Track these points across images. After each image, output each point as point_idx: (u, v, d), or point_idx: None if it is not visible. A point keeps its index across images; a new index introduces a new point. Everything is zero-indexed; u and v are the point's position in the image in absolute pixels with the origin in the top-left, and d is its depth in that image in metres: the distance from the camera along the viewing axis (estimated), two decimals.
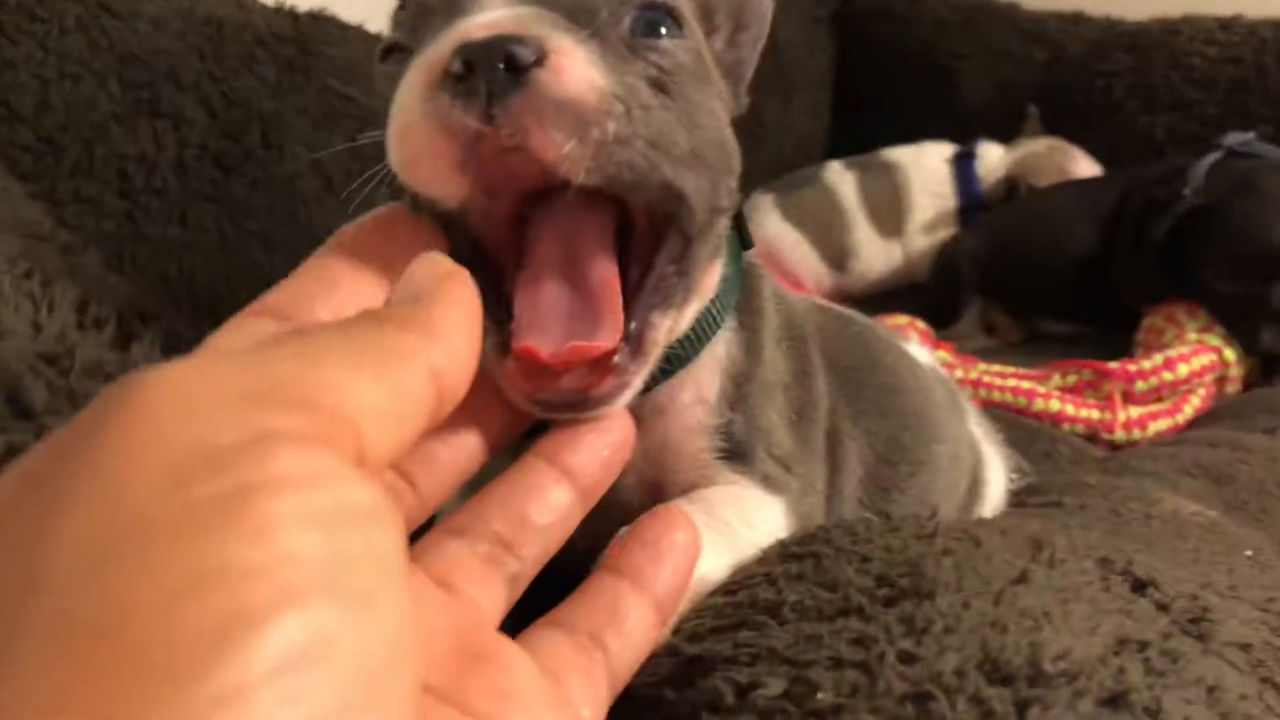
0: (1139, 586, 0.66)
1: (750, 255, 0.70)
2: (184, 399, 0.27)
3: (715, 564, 0.56)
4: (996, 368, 1.42)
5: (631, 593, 0.44)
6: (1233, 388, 1.41)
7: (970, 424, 0.93)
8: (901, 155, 2.01)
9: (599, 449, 0.48)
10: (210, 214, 1.44)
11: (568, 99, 0.42)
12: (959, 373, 1.38)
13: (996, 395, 1.35)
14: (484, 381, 0.43)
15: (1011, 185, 1.84)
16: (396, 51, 0.52)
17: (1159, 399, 1.35)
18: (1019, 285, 1.72)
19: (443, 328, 0.35)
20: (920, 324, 1.57)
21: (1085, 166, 1.86)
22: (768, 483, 0.65)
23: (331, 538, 0.26)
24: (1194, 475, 1.00)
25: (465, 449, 0.46)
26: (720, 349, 0.64)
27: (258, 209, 1.48)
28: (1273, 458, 1.04)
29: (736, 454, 0.64)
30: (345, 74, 1.58)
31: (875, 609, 0.56)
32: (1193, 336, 1.40)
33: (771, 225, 1.97)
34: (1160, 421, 1.34)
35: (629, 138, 0.45)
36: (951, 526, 0.68)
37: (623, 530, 0.49)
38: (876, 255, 1.96)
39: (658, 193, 0.49)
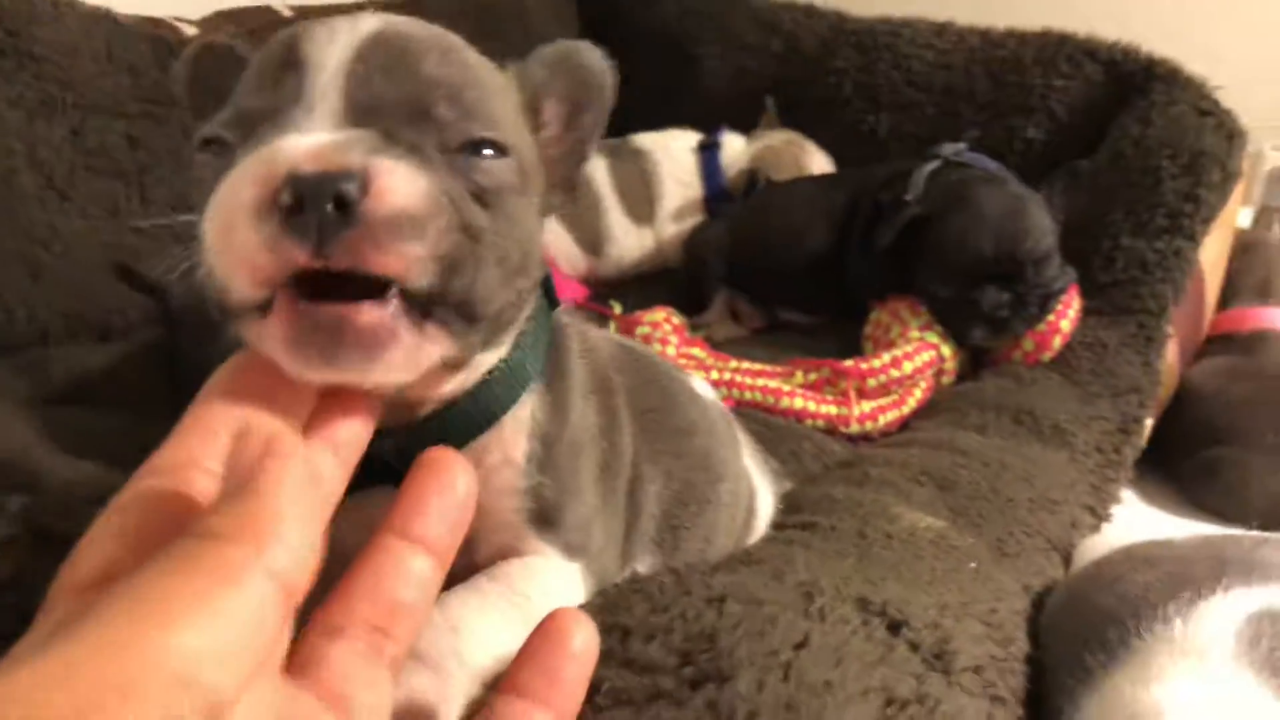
0: (894, 627, 0.76)
1: (557, 313, 0.73)
2: None
3: (519, 638, 0.60)
4: (746, 364, 1.52)
5: (532, 710, 0.46)
6: (948, 379, 1.57)
7: (745, 457, 1.01)
8: (651, 142, 2.06)
9: (448, 512, 0.48)
10: None
11: (396, 214, 0.45)
12: (715, 374, 1.47)
13: (748, 395, 1.45)
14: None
15: (751, 177, 1.93)
16: (215, 145, 0.52)
17: (887, 393, 1.49)
18: (759, 278, 1.83)
19: (274, 523, 0.35)
20: (675, 318, 1.64)
21: (819, 161, 1.98)
22: (569, 549, 0.70)
23: None
24: (922, 483, 1.13)
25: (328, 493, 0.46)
26: (525, 412, 0.67)
27: None
28: (985, 461, 1.19)
29: (544, 518, 0.68)
30: (63, 57, 1.45)
31: (683, 692, 0.62)
32: (915, 334, 1.55)
33: None
34: (889, 414, 1.48)
35: (459, 232, 0.48)
36: (734, 584, 0.75)
37: None
38: (630, 241, 2.02)
39: (460, 293, 0.50)
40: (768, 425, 1.39)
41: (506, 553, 0.68)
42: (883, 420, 1.47)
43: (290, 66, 0.51)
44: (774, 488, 1.07)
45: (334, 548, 0.54)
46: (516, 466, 0.67)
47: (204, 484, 0.41)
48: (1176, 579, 0.83)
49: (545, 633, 0.47)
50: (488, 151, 0.53)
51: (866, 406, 1.47)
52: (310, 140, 0.47)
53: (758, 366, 1.52)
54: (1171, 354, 1.54)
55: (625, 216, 2.02)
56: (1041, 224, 1.51)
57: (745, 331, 1.85)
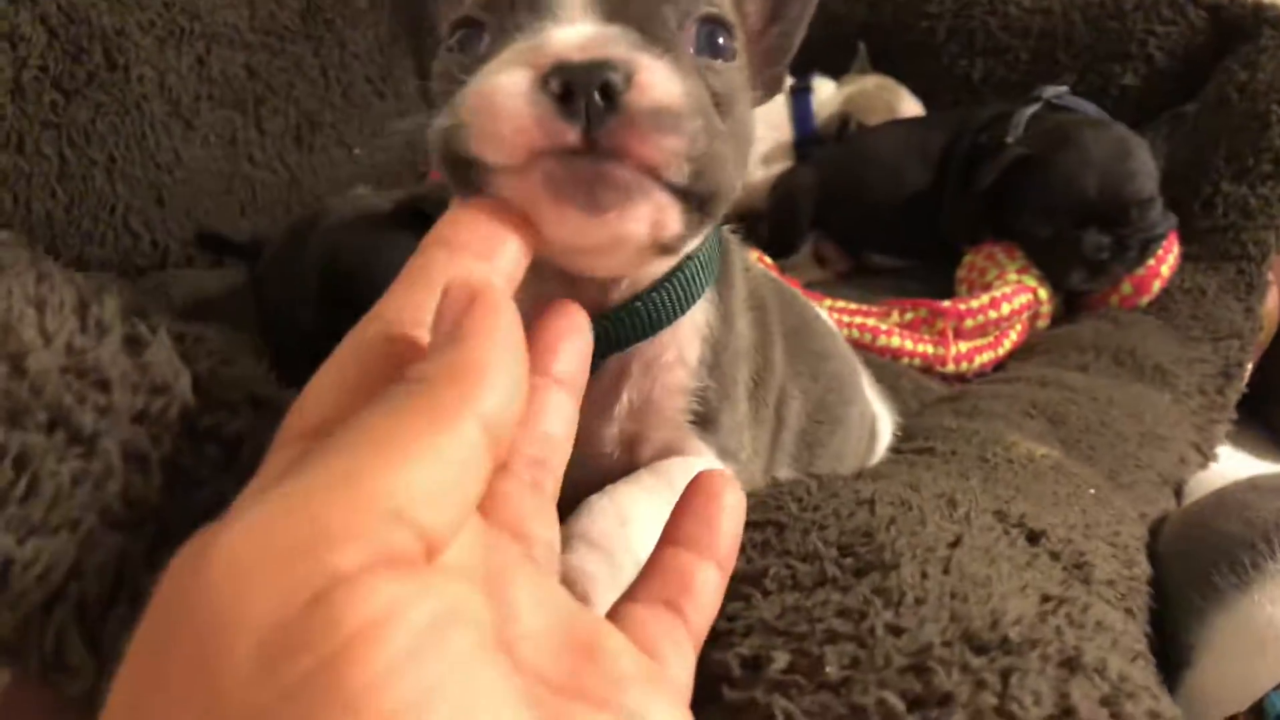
0: (1033, 538, 0.79)
1: (725, 229, 0.76)
2: (242, 575, 0.28)
3: None
4: (841, 303, 1.54)
5: (696, 560, 0.48)
6: (1043, 323, 1.58)
7: (866, 385, 1.03)
8: None
9: (579, 349, 0.50)
10: (50, 140, 1.34)
11: (657, 107, 0.47)
12: None
13: (844, 332, 1.47)
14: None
15: (843, 122, 1.94)
16: (468, 27, 0.55)
17: (984, 334, 1.50)
18: (851, 221, 1.84)
19: (484, 370, 0.36)
20: (767, 259, 1.66)
21: (911, 105, 1.98)
22: (723, 453, 0.74)
23: (418, 672, 0.28)
24: (1033, 416, 1.15)
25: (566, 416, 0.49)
26: (700, 315, 0.71)
27: (102, 135, 1.39)
28: (1093, 397, 1.20)
29: (705, 420, 0.71)
30: None
31: (849, 579, 0.65)
32: (1012, 276, 1.56)
33: None
34: (984, 354, 1.50)
35: (708, 135, 0.49)
36: (878, 489, 0.78)
37: None
38: None
39: (704, 191, 0.52)
40: (868, 362, 1.41)
41: (669, 450, 0.72)
42: (978, 361, 1.49)
43: None
44: (892, 415, 1.09)
45: None
46: (689, 367, 0.70)
47: (423, 334, 0.42)
48: None
49: (698, 488, 0.50)
50: (721, 43, 0.55)
51: (963, 347, 1.48)
52: (576, 32, 0.49)
53: (854, 306, 1.53)
54: (1272, 300, 1.54)
55: None
56: (1147, 167, 1.51)
57: (831, 277, 1.87)
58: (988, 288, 1.58)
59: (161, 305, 1.24)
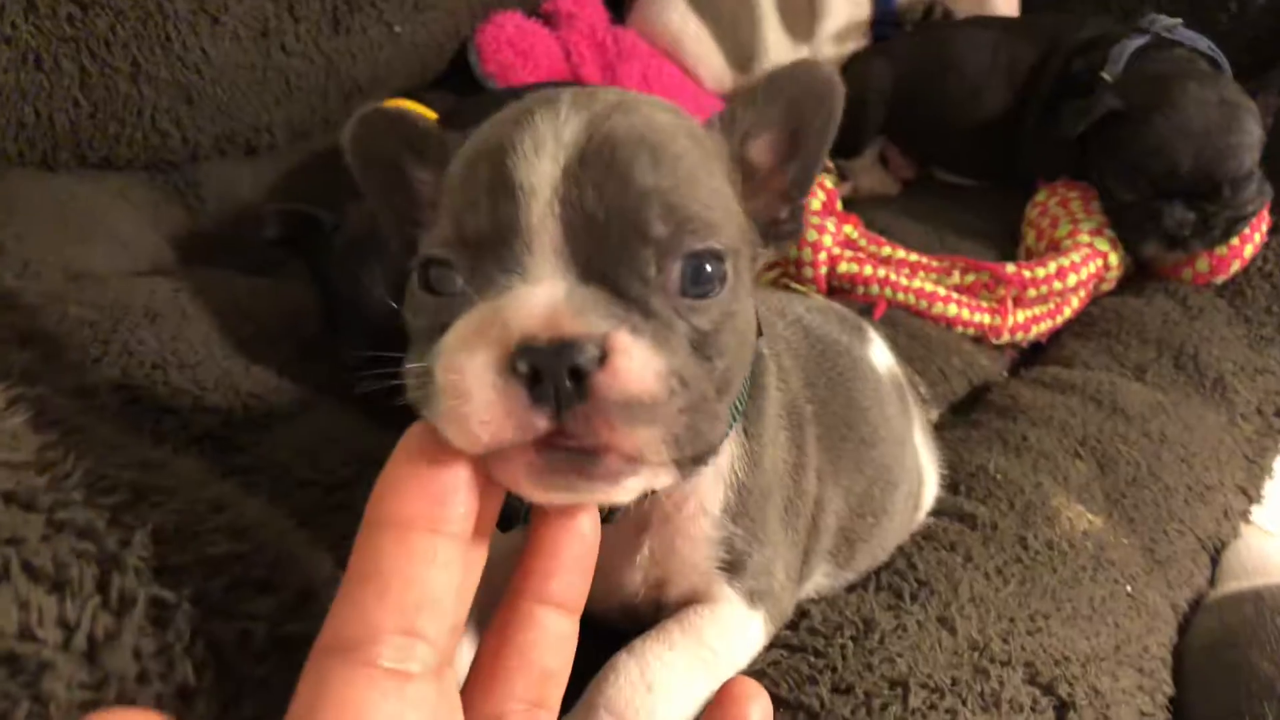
0: (1059, 709, 0.79)
1: (760, 344, 0.72)
2: None
3: (704, 692, 0.64)
4: (901, 253, 1.47)
5: None
6: (1107, 287, 1.51)
7: (916, 433, 1.00)
8: None
9: (580, 559, 0.51)
10: (69, 54, 1.25)
11: (628, 398, 0.45)
12: (869, 268, 1.42)
13: (901, 296, 1.41)
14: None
15: (928, 7, 1.77)
16: (438, 266, 0.52)
17: (1044, 303, 1.44)
18: (921, 129, 1.72)
19: None
20: (827, 181, 1.57)
21: (1003, 3, 1.80)
22: (752, 596, 0.74)
23: None
24: (1081, 457, 1.12)
25: (468, 570, 0.48)
26: (725, 461, 0.69)
27: (124, 41, 1.30)
28: (1145, 431, 1.17)
29: (734, 565, 0.71)
30: None
31: None
32: (1084, 239, 1.47)
33: (674, 15, 1.84)
34: (1042, 324, 1.44)
35: (689, 413, 0.48)
36: (910, 651, 0.78)
37: None
38: (784, 59, 1.88)
39: (691, 456, 0.50)
40: (918, 337, 1.36)
41: (695, 596, 0.72)
42: (1035, 331, 1.44)
43: (502, 189, 0.50)
44: (937, 468, 1.07)
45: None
46: (713, 517, 0.69)
47: (390, 656, 0.42)
48: None
49: (724, 704, 0.51)
50: (708, 269, 0.51)
51: (1021, 316, 1.42)
52: (542, 300, 0.47)
53: (913, 258, 1.46)
54: None
55: (783, 30, 1.88)
56: (1251, 139, 1.38)
57: (894, 185, 1.77)
58: (1057, 245, 1.49)
59: None
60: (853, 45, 1.86)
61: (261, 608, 0.60)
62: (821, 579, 0.88)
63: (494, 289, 0.48)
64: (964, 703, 0.75)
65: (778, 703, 0.74)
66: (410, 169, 0.62)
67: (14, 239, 1.15)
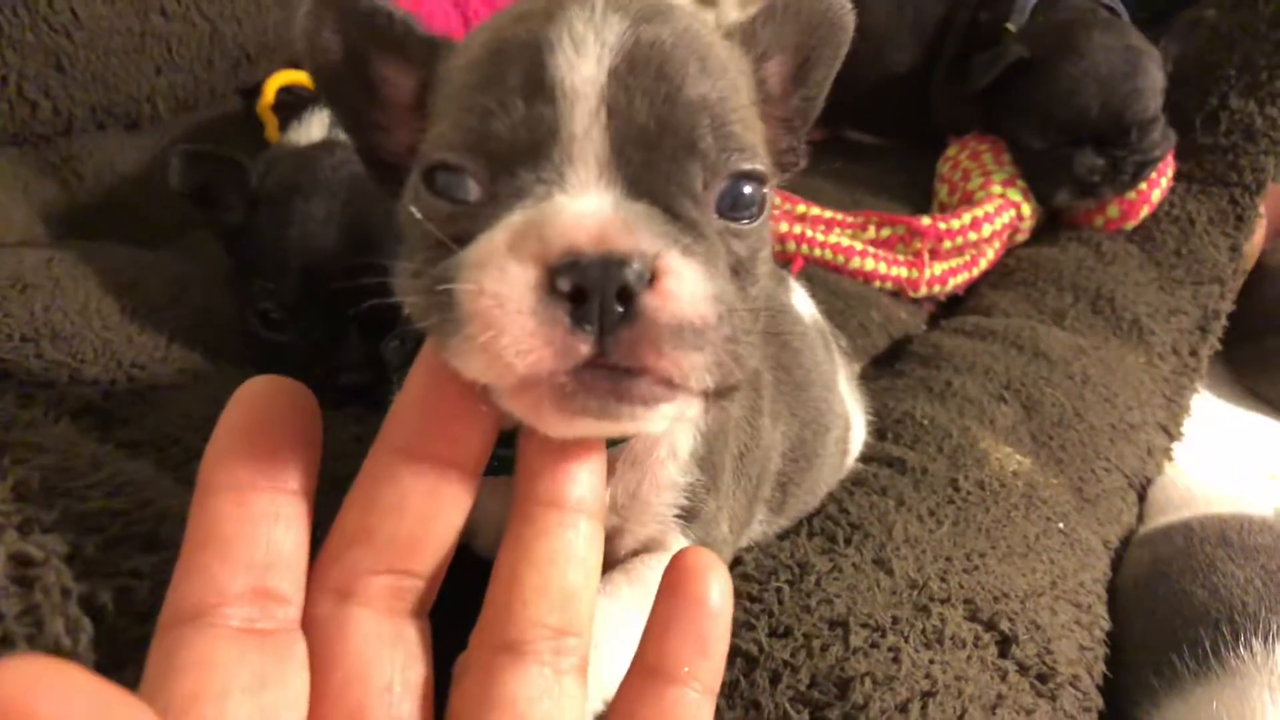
0: (1002, 644, 0.77)
1: None
2: None
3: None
4: (815, 211, 1.44)
5: (678, 695, 0.42)
6: (1021, 237, 1.51)
7: (842, 383, 0.97)
8: None
9: (594, 465, 0.45)
10: None
11: (681, 322, 0.41)
12: (784, 225, 1.40)
13: (818, 252, 1.39)
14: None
15: None
16: (447, 171, 0.46)
17: (960, 254, 1.43)
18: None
19: None
20: None
21: None
22: (704, 545, 0.70)
23: None
24: (1006, 401, 1.11)
25: (451, 508, 0.43)
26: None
27: None
28: (1069, 373, 1.16)
29: (691, 514, 0.67)
30: None
31: None
32: (996, 189, 1.47)
33: None
34: (959, 276, 1.43)
35: (735, 339, 0.43)
36: (849, 592, 0.75)
37: None
38: None
39: (728, 387, 0.46)
40: (837, 292, 1.34)
41: (649, 545, 0.68)
42: (952, 283, 1.43)
43: (538, 88, 0.44)
44: (864, 414, 1.04)
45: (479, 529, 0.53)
46: (680, 462, 0.65)
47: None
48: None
49: (678, 586, 0.43)
50: (748, 191, 0.47)
51: (938, 269, 1.41)
52: (589, 212, 0.41)
53: (828, 215, 1.44)
54: (1258, 235, 1.48)
55: None
56: (1154, 83, 1.39)
57: None
58: (969, 197, 1.49)
59: None
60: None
61: (144, 565, 0.55)
62: (757, 525, 0.84)
63: (527, 200, 0.43)
64: (906, 640, 0.72)
65: None
66: (378, 66, 0.55)
67: None
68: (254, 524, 0.39)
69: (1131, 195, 1.44)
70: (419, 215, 0.47)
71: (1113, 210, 1.47)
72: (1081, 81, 1.38)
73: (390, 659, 0.40)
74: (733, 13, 1.85)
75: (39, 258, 1.03)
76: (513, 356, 0.39)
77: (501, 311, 0.40)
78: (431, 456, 0.42)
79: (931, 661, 0.71)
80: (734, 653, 0.69)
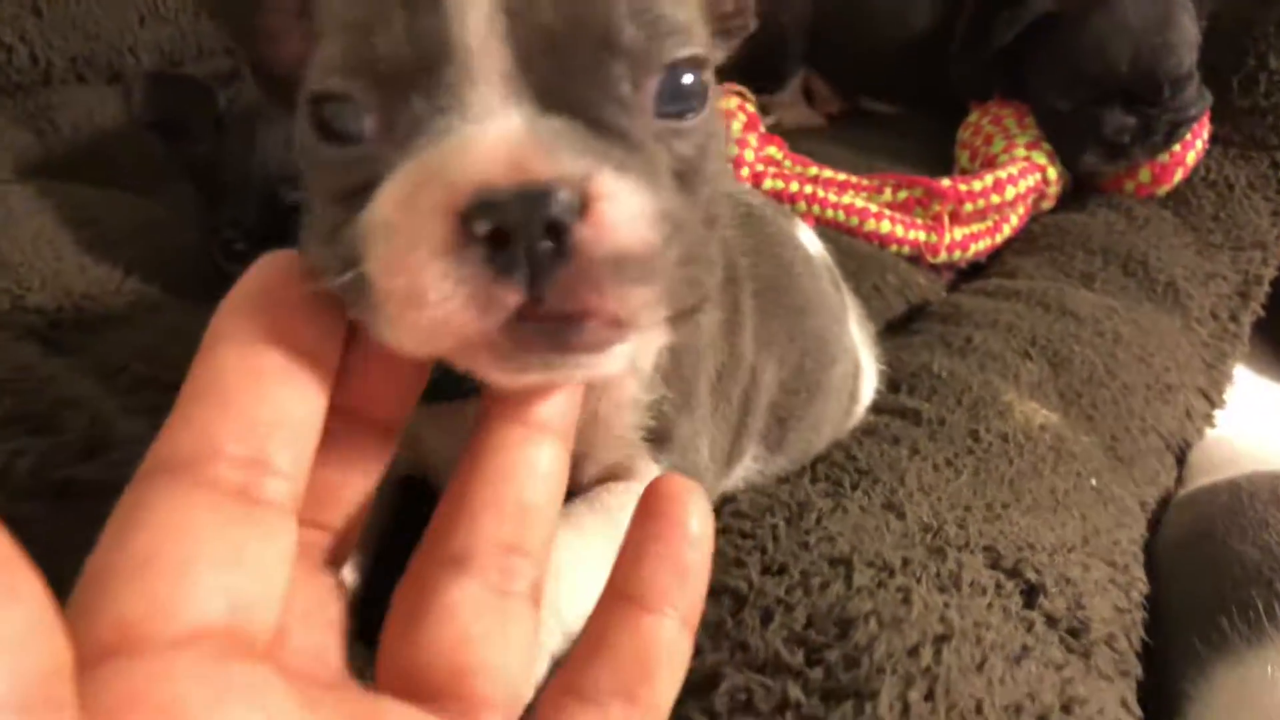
0: (1029, 593, 0.68)
1: None
2: None
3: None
4: (828, 173, 1.36)
5: (656, 623, 0.37)
6: (1047, 204, 1.42)
7: (852, 324, 0.90)
8: None
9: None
10: None
11: (621, 253, 0.34)
12: (794, 185, 1.32)
13: (830, 214, 1.31)
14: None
15: None
16: (334, 102, 0.38)
17: (983, 218, 1.34)
18: (844, 57, 1.63)
19: None
20: (749, 105, 1.46)
21: None
22: (678, 472, 0.62)
23: None
24: (1031, 357, 1.02)
25: (366, 462, 0.37)
26: None
27: None
28: (1099, 331, 1.08)
29: (660, 436, 0.61)
30: None
31: (815, 706, 0.54)
32: (1020, 152, 1.38)
33: None
34: (981, 241, 1.34)
35: (686, 262, 0.37)
36: (854, 531, 0.67)
37: None
38: None
39: (686, 311, 0.39)
40: (850, 254, 1.26)
41: (615, 472, 0.62)
42: (974, 249, 1.34)
43: None
44: (876, 362, 0.96)
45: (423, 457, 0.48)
46: (643, 377, 0.59)
47: (229, 477, 0.31)
48: None
49: (654, 509, 0.37)
50: (688, 81, 0.40)
51: (958, 234, 1.33)
52: (500, 135, 0.34)
53: (842, 177, 1.36)
54: None
55: None
56: (1187, 36, 1.31)
57: (820, 119, 1.67)
58: (992, 161, 1.40)
59: None
60: None
61: (27, 445, 0.48)
62: (751, 463, 0.77)
63: (424, 135, 0.35)
64: (919, 581, 0.64)
65: None
66: None
67: None
68: (260, 380, 0.33)
69: (1164, 158, 1.35)
70: (307, 167, 0.40)
71: (1144, 174, 1.38)
72: (1111, 33, 1.30)
73: (307, 594, 0.35)
74: None
75: None
76: (437, 328, 0.34)
77: (414, 283, 0.34)
78: (343, 411, 0.36)
79: (947, 605, 0.62)
80: (720, 590, 0.61)
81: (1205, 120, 1.37)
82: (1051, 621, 0.67)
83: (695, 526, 0.37)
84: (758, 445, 0.77)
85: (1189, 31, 1.31)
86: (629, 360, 0.39)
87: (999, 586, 0.67)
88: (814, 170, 1.37)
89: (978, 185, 1.33)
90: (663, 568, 0.36)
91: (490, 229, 0.33)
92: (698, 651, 0.57)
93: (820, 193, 1.32)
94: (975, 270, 1.37)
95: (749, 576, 0.62)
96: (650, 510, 0.37)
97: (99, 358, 0.80)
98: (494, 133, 0.34)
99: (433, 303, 0.33)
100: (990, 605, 0.65)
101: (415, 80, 0.36)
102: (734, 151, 1.32)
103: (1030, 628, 0.65)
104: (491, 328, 0.34)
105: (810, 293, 0.82)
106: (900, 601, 0.61)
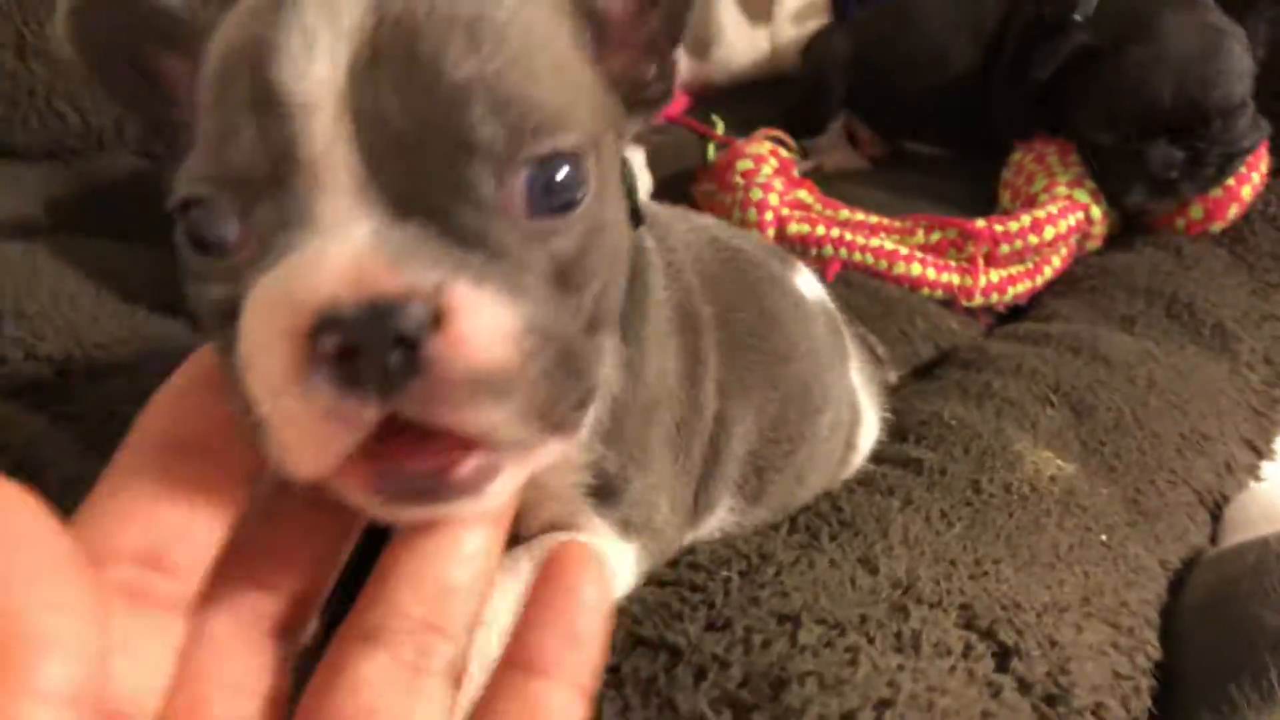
0: (1002, 658, 0.64)
1: (640, 233, 0.60)
2: None
3: None
4: (860, 216, 1.33)
5: (546, 688, 0.36)
6: (1093, 244, 1.37)
7: (852, 370, 0.87)
8: None
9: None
10: None
11: (475, 371, 0.34)
12: (821, 228, 1.29)
13: (858, 257, 1.27)
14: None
15: None
16: (199, 207, 0.38)
17: (1021, 260, 1.29)
18: (885, 100, 1.59)
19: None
20: (782, 151, 1.44)
21: None
22: (627, 527, 0.63)
23: None
24: (1053, 404, 0.97)
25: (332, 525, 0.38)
26: None
27: (5, 11, 1.22)
28: (1130, 376, 1.02)
29: (604, 492, 0.59)
30: None
31: None
32: (1062, 190, 1.33)
33: None
34: (1020, 285, 1.29)
35: (553, 376, 0.36)
36: (811, 586, 0.64)
37: None
38: (742, 43, 1.77)
39: (562, 421, 0.38)
40: (876, 297, 1.22)
41: (559, 524, 0.60)
42: (1012, 292, 1.29)
43: (267, 105, 0.36)
44: (879, 410, 0.92)
45: None
46: (578, 438, 0.56)
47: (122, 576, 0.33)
48: None
49: (550, 576, 0.37)
50: (562, 175, 0.38)
51: (994, 276, 1.28)
52: (345, 248, 0.33)
53: (873, 220, 1.33)
54: None
55: (740, 13, 1.77)
56: (1239, 67, 1.25)
57: (863, 161, 1.64)
58: (1032, 200, 1.35)
59: None
60: (814, 23, 1.75)
61: None
62: (727, 515, 0.74)
63: (277, 249, 0.35)
64: (870, 641, 0.60)
65: (638, 641, 0.60)
66: (157, 58, 0.47)
67: None
68: (173, 485, 0.34)
69: (1217, 192, 1.29)
70: (186, 281, 0.40)
71: (1196, 210, 1.31)
72: (1152, 66, 1.25)
73: (243, 663, 0.36)
74: (787, 30, 1.77)
75: (22, 248, 1.03)
76: (305, 450, 0.34)
77: (276, 407, 0.34)
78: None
79: (900, 668, 0.58)
80: (658, 645, 0.59)
81: (1263, 152, 1.30)
82: (1024, 686, 0.62)
83: (589, 594, 0.36)
84: (734, 496, 0.74)
85: (1240, 61, 1.25)
86: (509, 493, 0.37)
87: (968, 648, 0.63)
88: (845, 214, 1.34)
89: (1014, 225, 1.28)
90: (553, 634, 0.36)
91: (337, 346, 0.32)
92: (626, 708, 0.55)
93: (848, 235, 1.28)
94: (1016, 314, 1.31)
95: (688, 632, 0.59)
96: (546, 576, 0.37)
97: (96, 404, 0.83)
98: (340, 246, 0.34)
99: (294, 424, 0.33)
100: (953, 668, 0.61)
101: (266, 190, 0.35)
102: (758, 195, 1.30)
103: (997, 693, 0.61)
104: (345, 444, 0.33)
105: (797, 338, 0.79)
106: (846, 663, 0.57)
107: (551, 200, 0.38)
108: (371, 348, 0.32)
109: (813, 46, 1.67)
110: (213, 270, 0.38)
